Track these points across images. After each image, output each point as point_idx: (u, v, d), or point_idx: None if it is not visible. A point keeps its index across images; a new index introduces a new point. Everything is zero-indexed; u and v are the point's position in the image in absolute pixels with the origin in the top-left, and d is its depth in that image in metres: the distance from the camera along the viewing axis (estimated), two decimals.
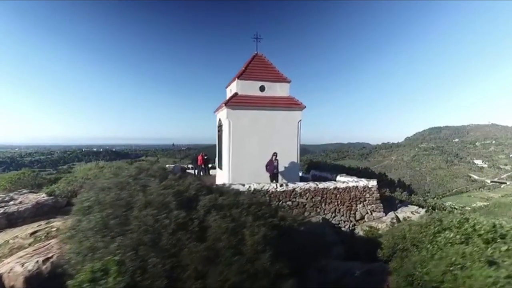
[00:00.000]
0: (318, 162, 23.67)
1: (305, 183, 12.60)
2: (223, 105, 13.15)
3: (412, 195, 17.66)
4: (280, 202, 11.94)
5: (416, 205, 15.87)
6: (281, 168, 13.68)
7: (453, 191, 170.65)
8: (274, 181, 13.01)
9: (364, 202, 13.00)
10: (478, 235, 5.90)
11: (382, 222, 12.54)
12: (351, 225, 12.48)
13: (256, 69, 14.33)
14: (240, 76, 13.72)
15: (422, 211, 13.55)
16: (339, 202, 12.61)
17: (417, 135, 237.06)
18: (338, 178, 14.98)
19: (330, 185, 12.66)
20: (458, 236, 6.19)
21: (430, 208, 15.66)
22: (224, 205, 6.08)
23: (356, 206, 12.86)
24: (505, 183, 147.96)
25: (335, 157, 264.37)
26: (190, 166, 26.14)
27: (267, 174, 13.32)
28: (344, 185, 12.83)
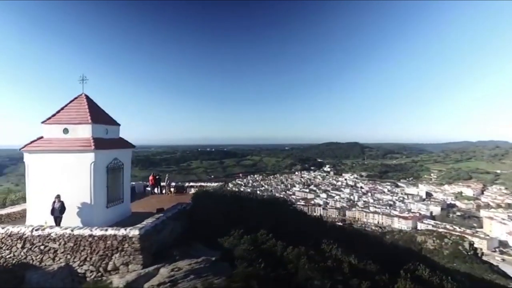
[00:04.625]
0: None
1: (66, 227, 12.86)
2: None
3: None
4: (33, 246, 12.65)
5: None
6: (74, 210, 14.15)
7: None
8: (57, 224, 13.70)
9: (122, 253, 12.28)
10: None
11: (122, 277, 11.63)
12: (97, 276, 12.06)
13: (68, 111, 15.19)
14: (45, 121, 14.89)
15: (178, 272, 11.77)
16: (92, 250, 12.36)
17: None
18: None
19: (85, 232, 12.55)
20: None
21: None
22: None
23: (112, 256, 12.29)
24: None
25: (458, 158, 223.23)
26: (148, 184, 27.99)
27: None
28: (100, 233, 12.47)
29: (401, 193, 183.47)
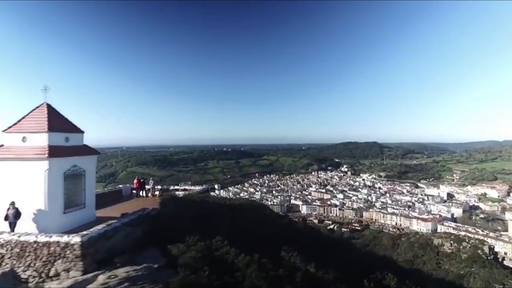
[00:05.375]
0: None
1: (14, 234, 13.26)
2: None
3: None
4: None
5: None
6: (30, 216, 14.55)
7: None
8: (11, 230, 14.14)
9: (64, 259, 12.53)
10: None
11: (60, 283, 11.86)
12: (40, 281, 12.36)
13: (29, 120, 15.67)
14: (6, 129, 15.45)
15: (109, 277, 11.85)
16: (36, 256, 12.68)
17: None
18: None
19: (30, 238, 12.88)
20: None
21: None
22: None
23: (55, 262, 12.57)
24: None
25: (482, 158, 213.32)
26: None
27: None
28: (45, 239, 12.76)
29: (421, 194, 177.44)
